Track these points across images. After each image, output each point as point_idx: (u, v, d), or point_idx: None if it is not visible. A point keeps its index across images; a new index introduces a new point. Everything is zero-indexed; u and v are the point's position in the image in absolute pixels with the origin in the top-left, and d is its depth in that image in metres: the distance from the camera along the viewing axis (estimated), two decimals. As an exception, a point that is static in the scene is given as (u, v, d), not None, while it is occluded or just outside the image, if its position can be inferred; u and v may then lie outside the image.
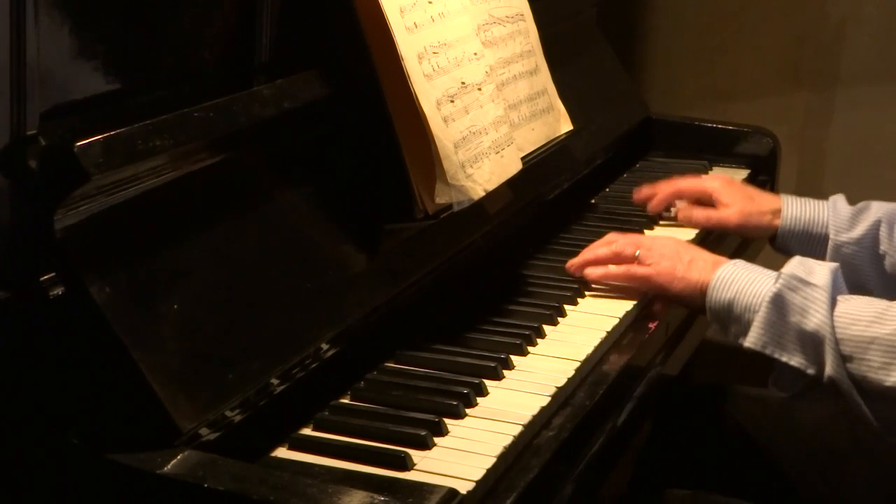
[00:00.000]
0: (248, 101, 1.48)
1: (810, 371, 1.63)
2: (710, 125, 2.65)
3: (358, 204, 1.59)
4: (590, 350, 1.63)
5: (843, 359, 1.59)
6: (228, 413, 1.28)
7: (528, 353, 1.62)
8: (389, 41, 1.57)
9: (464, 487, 1.26)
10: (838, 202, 2.05)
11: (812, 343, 1.62)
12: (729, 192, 2.12)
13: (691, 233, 2.12)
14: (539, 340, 1.66)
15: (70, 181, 1.22)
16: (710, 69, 3.25)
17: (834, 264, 1.68)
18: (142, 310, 1.25)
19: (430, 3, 1.67)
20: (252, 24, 1.57)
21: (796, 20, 3.17)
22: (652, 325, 1.79)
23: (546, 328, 1.69)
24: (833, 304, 1.61)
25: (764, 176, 2.57)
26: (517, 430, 1.40)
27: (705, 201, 2.15)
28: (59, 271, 1.22)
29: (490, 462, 1.32)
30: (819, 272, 1.64)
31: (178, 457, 1.19)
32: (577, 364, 1.59)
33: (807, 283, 1.63)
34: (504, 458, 1.35)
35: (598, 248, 1.87)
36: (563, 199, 2.19)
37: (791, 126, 3.16)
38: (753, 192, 2.13)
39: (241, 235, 1.41)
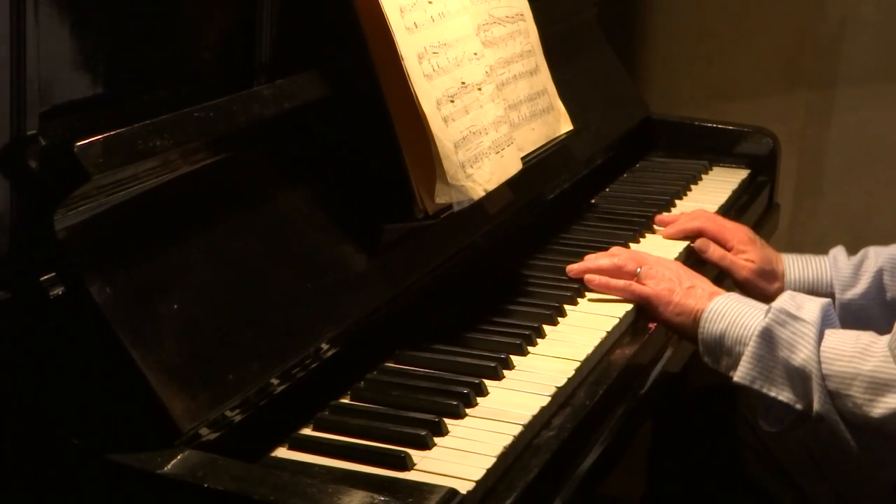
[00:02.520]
0: (248, 101, 1.48)
1: (798, 406, 1.64)
2: (710, 125, 2.65)
3: (358, 204, 1.59)
4: (590, 350, 1.63)
5: (830, 394, 1.59)
6: (228, 413, 1.28)
7: (528, 353, 1.62)
8: (389, 41, 1.57)
9: (464, 487, 1.26)
10: (839, 258, 2.00)
11: (800, 378, 1.62)
12: (749, 244, 2.07)
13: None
14: (539, 340, 1.66)
15: (70, 181, 1.22)
16: (711, 69, 3.25)
17: (825, 300, 1.68)
18: (142, 310, 1.25)
19: (430, 3, 1.67)
20: (252, 24, 1.57)
21: (796, 20, 3.17)
22: (652, 325, 1.79)
23: (546, 328, 1.69)
24: (820, 338, 1.62)
25: (764, 176, 2.57)
26: (517, 430, 1.40)
27: (720, 242, 2.10)
28: (59, 271, 1.22)
29: (490, 462, 1.32)
30: (808, 307, 1.65)
31: (178, 457, 1.19)
32: (577, 364, 1.59)
33: (795, 318, 1.64)
34: (504, 458, 1.35)
35: (601, 259, 1.88)
36: (563, 199, 2.19)
37: (791, 126, 3.16)
38: (770, 251, 2.07)
39: (241, 235, 1.41)
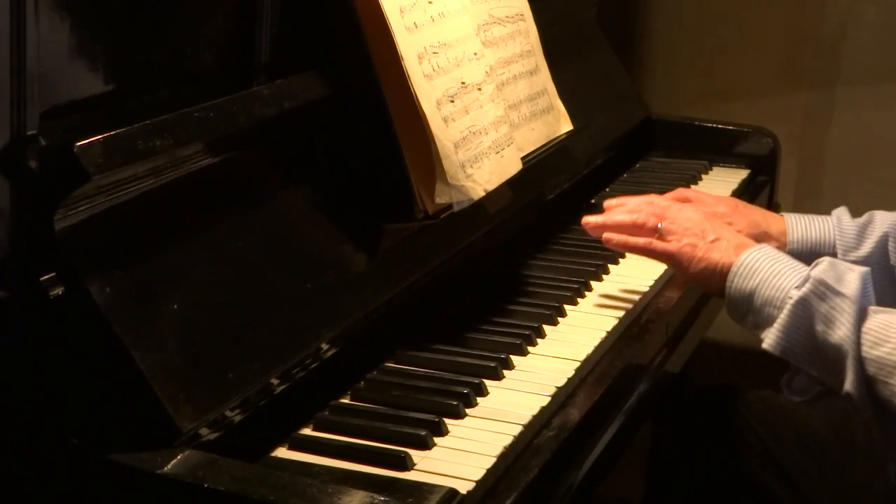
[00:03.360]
0: (248, 101, 1.48)
1: (828, 381, 1.58)
2: (710, 125, 2.65)
3: (358, 204, 1.59)
4: (590, 350, 1.63)
5: (867, 378, 1.53)
6: (228, 413, 1.28)
7: (528, 353, 1.62)
8: (389, 41, 1.57)
9: (464, 487, 1.26)
10: (842, 218, 1.96)
11: (834, 355, 1.56)
12: (734, 216, 2.01)
13: None
14: (539, 340, 1.66)
15: (70, 181, 1.22)
16: (710, 69, 3.25)
17: (865, 269, 1.61)
18: (142, 310, 1.25)
19: (430, 3, 1.67)
20: (252, 24, 1.57)
21: (796, 20, 3.17)
22: (652, 325, 1.79)
23: (546, 328, 1.69)
24: (861, 316, 1.55)
25: (764, 176, 2.57)
26: (517, 430, 1.40)
27: None
28: (59, 271, 1.22)
29: (490, 462, 1.32)
30: (849, 280, 1.58)
31: (178, 457, 1.19)
32: (577, 364, 1.59)
33: (835, 292, 1.56)
34: (504, 458, 1.35)
35: (620, 213, 1.84)
36: (563, 199, 2.19)
37: (791, 126, 3.16)
38: (759, 215, 2.04)
39: (241, 235, 1.41)
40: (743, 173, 2.54)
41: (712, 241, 1.74)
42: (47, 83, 1.25)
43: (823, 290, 1.57)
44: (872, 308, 1.57)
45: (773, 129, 2.64)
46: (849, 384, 1.54)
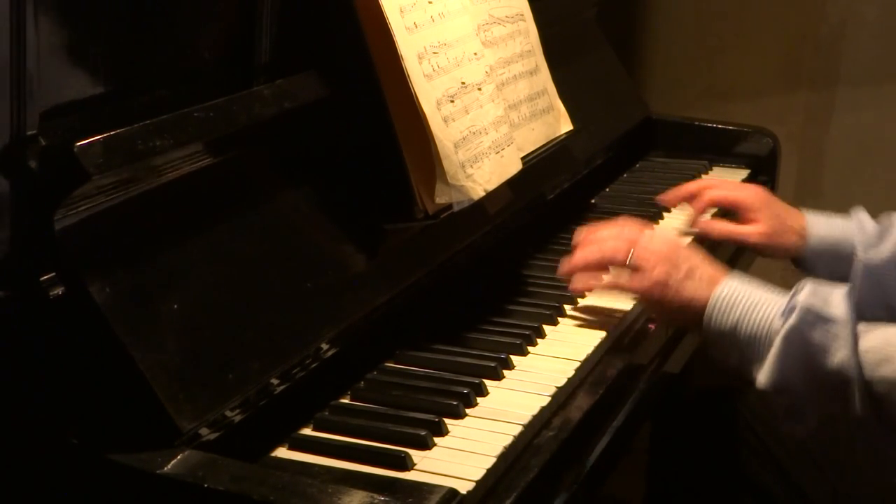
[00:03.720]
0: (248, 101, 1.48)
1: (832, 409, 1.54)
2: (710, 125, 2.65)
3: (358, 204, 1.59)
4: (590, 350, 1.63)
5: (876, 399, 1.49)
6: (228, 413, 1.28)
7: (528, 353, 1.62)
8: (389, 41, 1.57)
9: (464, 487, 1.26)
10: (863, 219, 1.91)
11: (836, 382, 1.50)
12: (758, 207, 2.01)
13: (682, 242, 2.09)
14: (539, 340, 1.66)
15: (70, 181, 1.22)
16: (710, 69, 3.25)
17: (846, 287, 1.56)
18: (142, 310, 1.25)
19: (430, 3, 1.67)
20: (252, 24, 1.57)
21: (796, 20, 3.17)
22: (652, 325, 1.79)
23: (546, 328, 1.69)
24: (855, 337, 1.50)
25: (764, 176, 2.57)
26: (517, 430, 1.40)
27: (731, 212, 2.07)
28: (59, 271, 1.22)
29: (490, 462, 1.32)
30: (836, 302, 1.52)
31: (178, 457, 1.19)
32: (577, 364, 1.59)
33: (826, 318, 1.51)
34: (504, 458, 1.35)
35: (589, 249, 1.76)
36: (563, 199, 2.19)
37: (791, 126, 3.16)
38: (781, 209, 2.01)
39: (242, 235, 1.41)
40: (743, 173, 2.54)
41: (685, 274, 1.64)
42: (47, 83, 1.25)
43: (813, 317, 1.52)
44: (861, 327, 1.52)
45: (773, 129, 2.64)
46: (859, 408, 1.50)
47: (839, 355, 1.50)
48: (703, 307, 1.61)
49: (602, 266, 1.75)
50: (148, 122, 1.32)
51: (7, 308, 1.22)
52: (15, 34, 1.20)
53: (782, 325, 1.54)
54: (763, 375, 1.55)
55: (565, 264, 1.78)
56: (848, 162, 3.22)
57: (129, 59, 1.41)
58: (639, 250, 1.70)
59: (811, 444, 1.87)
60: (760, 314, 1.56)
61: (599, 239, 1.77)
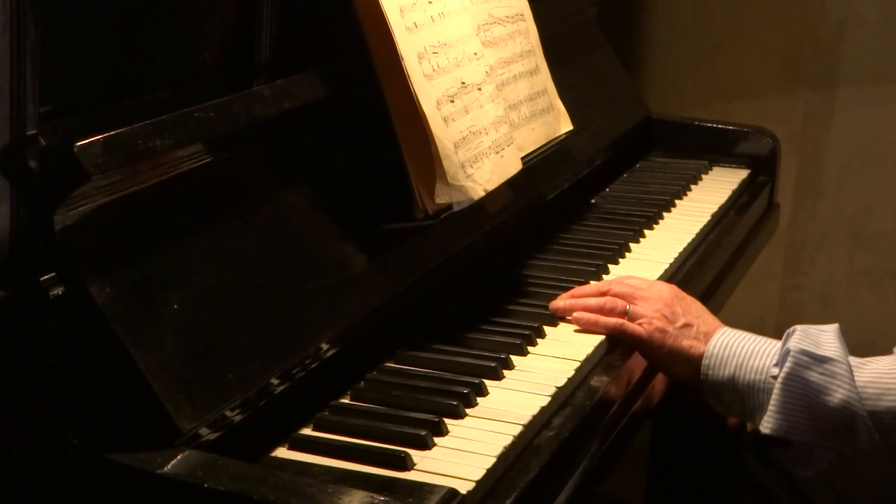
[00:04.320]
0: (248, 101, 1.48)
1: (838, 447, 1.56)
2: (710, 125, 2.65)
3: (358, 204, 1.59)
4: (590, 350, 1.63)
5: (882, 430, 1.51)
6: (228, 413, 1.28)
7: (528, 353, 1.62)
8: (389, 41, 1.57)
9: (464, 487, 1.26)
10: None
11: (841, 419, 1.53)
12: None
13: (699, 224, 2.13)
14: (539, 340, 1.66)
15: (70, 181, 1.22)
16: (710, 69, 3.25)
17: (835, 326, 1.59)
18: (142, 310, 1.25)
19: (430, 3, 1.67)
20: (252, 24, 1.57)
21: (796, 20, 3.17)
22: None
23: (546, 328, 1.69)
24: (852, 373, 1.53)
25: (764, 176, 2.57)
26: (517, 430, 1.40)
27: None
28: (59, 271, 1.22)
29: (490, 462, 1.32)
30: (827, 341, 1.56)
31: (178, 457, 1.19)
32: (577, 364, 1.59)
33: (821, 359, 1.54)
34: (504, 458, 1.35)
35: (588, 295, 1.75)
36: (563, 199, 2.19)
37: (791, 126, 3.16)
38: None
39: (242, 235, 1.41)
40: (743, 173, 2.54)
41: (681, 328, 1.68)
42: (47, 83, 1.25)
43: (808, 361, 1.55)
44: (853, 362, 1.55)
45: (773, 129, 2.64)
46: (866, 443, 1.52)
47: (840, 393, 1.53)
48: (698, 361, 1.65)
49: (598, 313, 1.72)
50: (148, 122, 1.31)
51: (7, 308, 1.22)
52: (15, 34, 1.20)
53: (780, 372, 1.57)
54: (768, 423, 1.58)
55: (561, 304, 1.74)
56: (848, 162, 3.22)
57: (129, 59, 1.41)
58: (636, 304, 1.71)
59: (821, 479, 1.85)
60: (756, 363, 1.60)
61: (598, 288, 1.76)
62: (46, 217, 1.21)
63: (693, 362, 1.66)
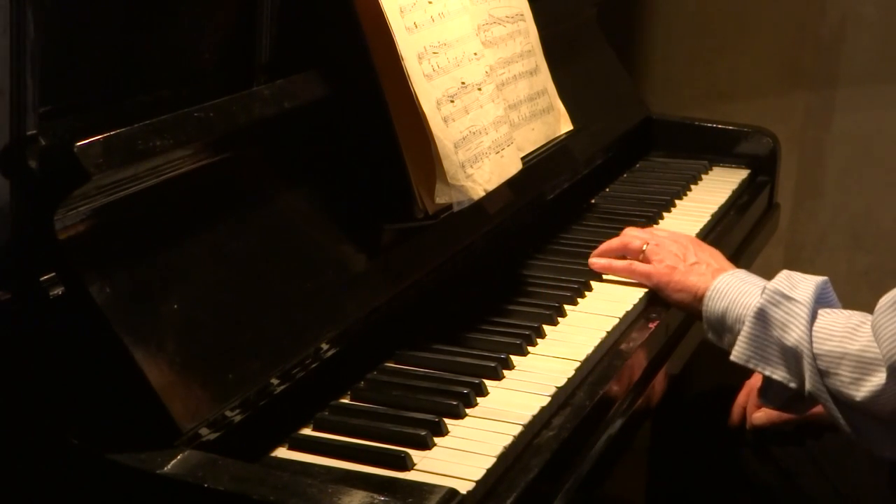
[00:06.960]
0: (248, 101, 1.48)
1: (792, 385, 1.65)
2: (710, 125, 2.65)
3: (358, 204, 1.59)
4: (590, 350, 1.63)
5: (820, 373, 1.61)
6: (228, 413, 1.28)
7: (528, 353, 1.62)
8: (389, 41, 1.57)
9: (464, 487, 1.26)
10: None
11: (793, 357, 1.64)
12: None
13: (699, 224, 2.18)
14: (539, 340, 1.66)
15: (70, 181, 1.22)
16: (710, 69, 3.25)
17: (822, 278, 1.68)
18: (142, 310, 1.25)
19: (430, 3, 1.67)
20: (252, 24, 1.57)
21: (796, 20, 3.17)
22: (652, 325, 1.79)
23: (546, 328, 1.69)
24: (813, 318, 1.63)
25: (764, 176, 2.57)
26: (517, 430, 1.40)
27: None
28: (59, 271, 1.22)
29: (490, 462, 1.32)
30: (802, 286, 1.66)
31: (178, 457, 1.19)
32: (577, 364, 1.59)
33: (788, 299, 1.65)
34: (504, 458, 1.35)
35: (613, 239, 1.93)
36: (563, 199, 2.19)
37: (791, 126, 3.16)
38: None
39: (241, 235, 1.41)
40: (743, 173, 2.54)
41: (691, 265, 1.82)
42: (47, 83, 1.25)
43: (778, 298, 1.66)
44: (824, 310, 1.65)
45: (773, 129, 2.64)
46: (808, 383, 1.62)
47: (796, 332, 1.63)
48: (703, 295, 1.77)
49: (618, 252, 1.90)
50: (148, 122, 1.31)
51: (7, 308, 1.22)
52: (15, 34, 1.20)
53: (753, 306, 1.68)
54: (736, 350, 1.70)
55: (597, 262, 1.91)
56: (848, 162, 3.22)
57: (129, 59, 1.41)
58: (653, 244, 1.88)
59: (811, 443, 1.87)
60: (744, 300, 1.70)
61: (623, 233, 1.95)
62: (46, 217, 1.21)
63: (698, 297, 1.78)
